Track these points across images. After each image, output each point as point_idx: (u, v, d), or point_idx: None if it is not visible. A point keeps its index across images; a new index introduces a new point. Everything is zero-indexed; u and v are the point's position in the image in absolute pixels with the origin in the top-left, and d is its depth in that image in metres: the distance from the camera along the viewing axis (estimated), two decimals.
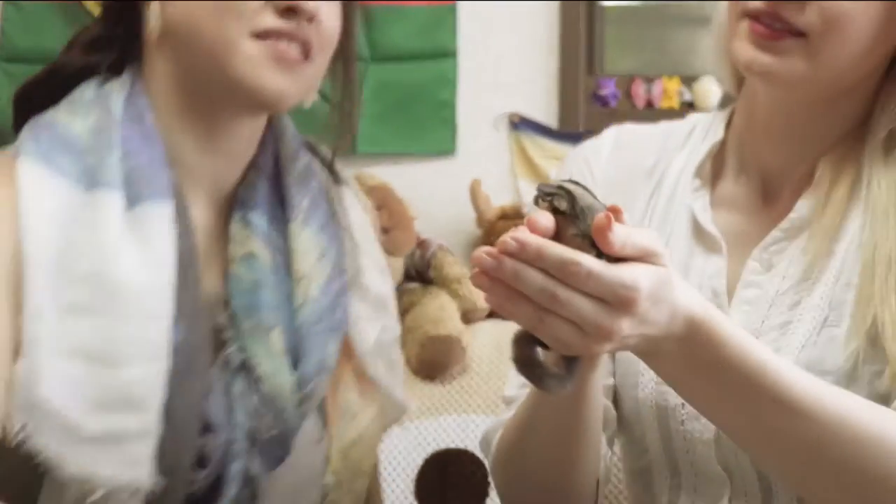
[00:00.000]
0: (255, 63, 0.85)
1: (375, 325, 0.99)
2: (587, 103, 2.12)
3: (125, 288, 0.79)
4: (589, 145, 1.11)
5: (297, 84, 0.87)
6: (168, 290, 0.81)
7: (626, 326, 0.71)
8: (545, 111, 2.09)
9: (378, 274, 1.02)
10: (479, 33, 2.11)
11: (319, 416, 0.95)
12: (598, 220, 0.70)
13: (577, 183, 0.75)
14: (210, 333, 0.87)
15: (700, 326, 0.76)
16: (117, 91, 0.88)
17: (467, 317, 1.80)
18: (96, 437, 0.76)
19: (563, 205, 0.73)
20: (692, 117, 1.10)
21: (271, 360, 0.88)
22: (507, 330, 1.43)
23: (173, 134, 0.89)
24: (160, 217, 0.83)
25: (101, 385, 0.77)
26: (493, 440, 1.02)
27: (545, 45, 2.10)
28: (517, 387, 1.02)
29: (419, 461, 1.57)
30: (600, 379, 0.90)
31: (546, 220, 0.73)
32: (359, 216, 1.03)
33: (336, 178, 1.02)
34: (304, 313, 0.91)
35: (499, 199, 2.03)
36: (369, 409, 1.01)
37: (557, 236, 0.72)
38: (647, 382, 0.96)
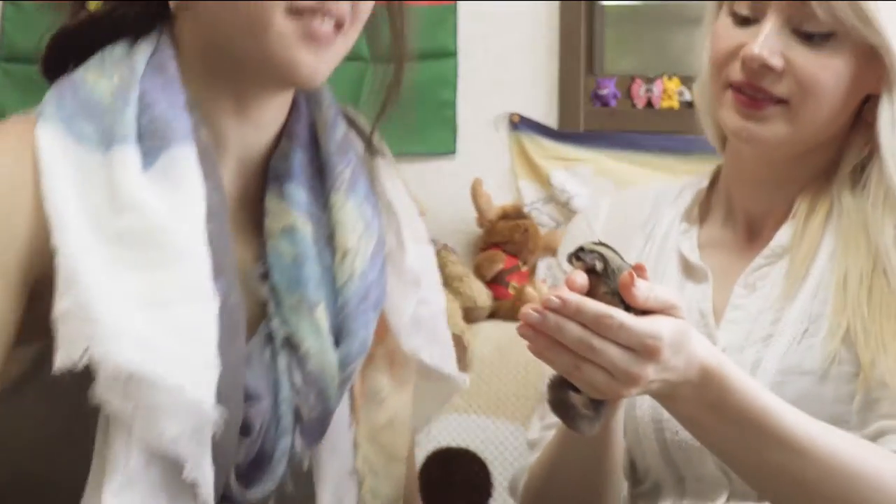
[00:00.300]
0: (288, 41, 0.81)
1: (411, 300, 0.95)
2: (587, 103, 2.12)
3: (161, 238, 0.76)
4: (590, 207, 1.28)
5: (329, 60, 0.85)
6: (203, 234, 0.78)
7: (651, 372, 0.82)
8: (545, 111, 2.09)
9: (417, 247, 0.97)
10: (479, 33, 2.11)
11: (348, 399, 0.92)
12: (624, 278, 0.82)
13: (607, 246, 0.87)
14: (247, 300, 0.84)
15: (713, 374, 0.87)
16: (144, 47, 0.84)
17: (469, 315, 1.80)
18: (161, 350, 0.73)
19: (598, 265, 0.84)
20: (683, 179, 1.25)
21: (317, 338, 0.85)
22: (507, 331, 1.47)
23: (200, 94, 0.85)
24: (184, 161, 0.79)
25: (159, 323, 0.74)
26: (520, 484, 1.10)
27: (545, 45, 2.10)
28: (540, 430, 1.13)
29: (420, 457, 1.57)
30: (621, 420, 1.00)
31: (582, 279, 0.84)
32: (398, 187, 0.99)
33: (373, 149, 0.98)
34: (350, 290, 0.88)
35: (499, 198, 2.03)
36: (401, 391, 0.98)
37: (590, 293, 0.83)
38: (643, 399, 1.02)
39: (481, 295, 1.81)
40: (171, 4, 0.84)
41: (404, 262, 0.95)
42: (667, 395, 0.88)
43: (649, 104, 2.11)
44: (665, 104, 2.11)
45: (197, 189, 0.79)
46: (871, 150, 1.06)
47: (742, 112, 1.05)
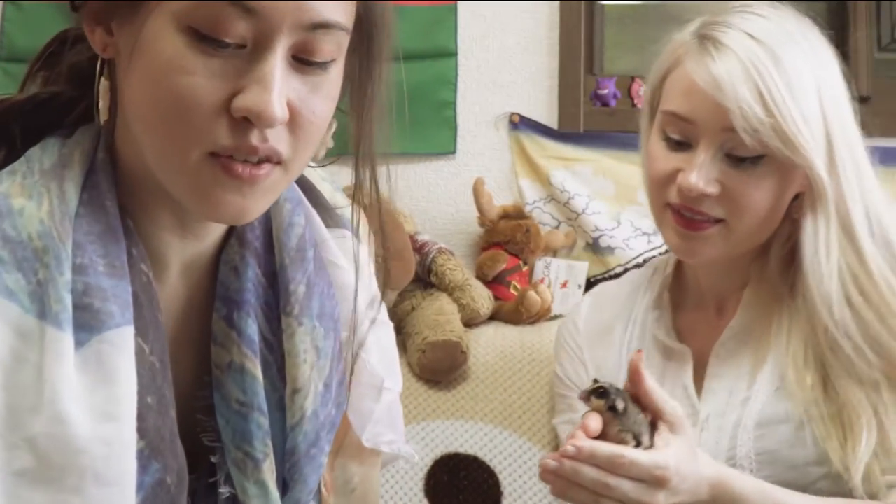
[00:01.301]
0: (206, 180, 0.71)
1: (374, 401, 0.93)
2: (587, 103, 2.12)
3: (80, 453, 0.67)
4: (574, 309, 1.40)
5: (263, 196, 0.74)
6: (130, 448, 0.70)
7: (662, 499, 0.93)
8: (545, 111, 2.09)
9: (378, 336, 0.94)
10: (479, 33, 2.11)
11: (315, 499, 0.90)
12: (632, 361, 0.97)
13: (619, 389, 0.98)
14: (188, 425, 0.79)
15: (722, 488, 0.98)
16: (79, 157, 0.75)
17: (470, 321, 1.79)
18: None
19: (619, 405, 0.95)
20: (653, 261, 1.36)
21: (263, 498, 0.81)
22: (508, 335, 1.48)
23: (140, 206, 0.77)
24: (118, 349, 0.70)
25: None
26: None
27: (545, 45, 2.10)
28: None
29: (427, 461, 1.56)
30: None
31: (595, 423, 0.95)
32: (362, 255, 0.92)
33: (330, 220, 0.91)
34: (299, 436, 0.82)
35: (499, 198, 2.03)
36: (372, 474, 0.99)
37: (602, 430, 0.95)
38: None
39: (483, 302, 1.79)
40: (99, 115, 0.76)
41: (367, 364, 0.92)
42: None
43: None
44: None
45: (130, 386, 0.70)
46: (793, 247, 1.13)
47: (682, 233, 1.13)
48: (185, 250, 0.81)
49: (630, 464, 0.92)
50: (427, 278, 1.82)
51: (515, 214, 1.98)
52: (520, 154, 2.08)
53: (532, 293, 1.77)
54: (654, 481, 0.93)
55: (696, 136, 1.10)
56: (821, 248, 1.08)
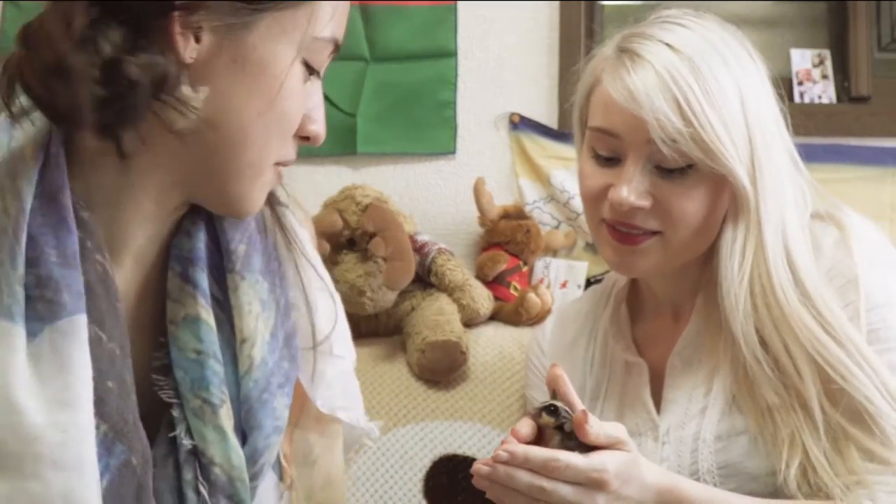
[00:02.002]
0: (263, 188, 0.85)
1: (327, 360, 0.96)
2: None
3: (35, 440, 0.70)
4: (539, 328, 1.41)
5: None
6: (87, 433, 0.72)
7: (601, 501, 0.92)
8: (545, 111, 2.09)
9: (325, 303, 0.97)
10: (479, 33, 2.11)
11: (276, 470, 0.93)
12: (577, 417, 0.92)
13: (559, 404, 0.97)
14: (147, 397, 0.82)
15: (668, 494, 0.97)
16: (31, 157, 0.77)
17: (469, 321, 1.78)
18: None
19: (566, 426, 0.94)
20: (610, 275, 1.37)
21: (222, 444, 0.84)
22: (508, 336, 1.48)
23: (102, 201, 0.81)
24: (71, 337, 0.73)
25: None
26: None
27: (545, 45, 2.10)
28: None
29: (426, 462, 1.56)
30: None
31: (526, 429, 0.95)
32: (304, 237, 0.99)
33: (276, 201, 0.96)
34: (250, 383, 0.86)
35: (499, 198, 2.03)
36: (333, 448, 1.00)
37: (544, 441, 0.95)
38: None
39: (483, 302, 1.79)
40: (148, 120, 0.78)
41: (317, 323, 0.95)
42: None
43: None
44: None
45: (85, 373, 0.73)
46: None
47: (617, 248, 1.12)
48: (144, 235, 0.85)
49: (566, 467, 0.90)
50: (427, 278, 1.82)
51: (516, 214, 1.98)
52: (520, 154, 2.08)
53: (532, 295, 1.77)
54: (593, 484, 0.91)
55: (623, 151, 1.10)
56: (735, 255, 1.08)
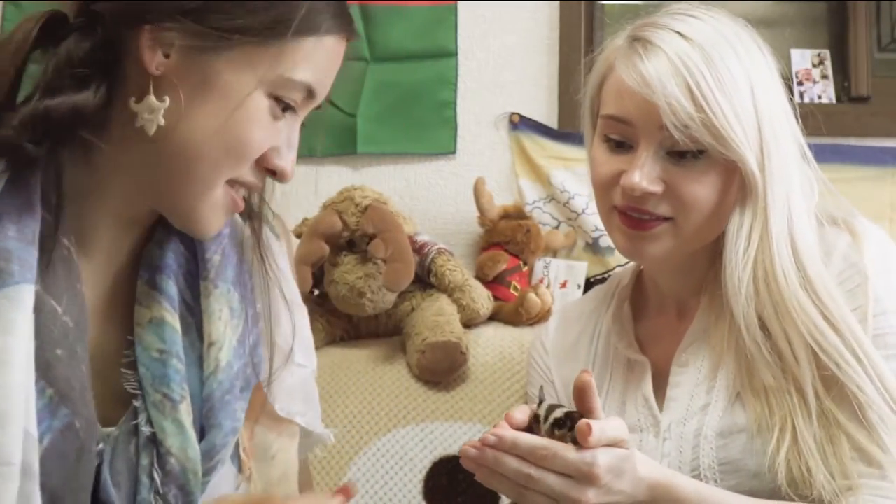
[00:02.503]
0: (216, 206, 0.89)
1: (289, 368, 1.02)
2: None
3: None
4: (542, 327, 1.41)
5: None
6: (17, 391, 0.77)
7: (591, 496, 0.90)
8: (545, 111, 2.09)
9: (290, 314, 1.04)
10: (479, 33, 2.11)
11: (235, 462, 0.97)
12: (582, 427, 0.89)
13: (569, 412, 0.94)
14: (114, 389, 0.89)
15: (662, 489, 0.97)
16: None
17: (469, 322, 1.78)
18: None
19: (563, 430, 0.91)
20: (615, 274, 1.37)
21: (179, 436, 0.89)
22: (508, 336, 1.46)
23: (82, 197, 0.88)
24: (17, 304, 0.79)
25: None
26: None
27: (545, 45, 2.10)
28: None
29: (426, 463, 1.56)
30: None
31: (522, 416, 0.94)
32: (279, 252, 1.05)
33: (253, 215, 1.02)
34: (214, 384, 0.93)
35: (499, 198, 2.03)
36: (290, 446, 1.04)
37: (537, 429, 0.93)
38: None
39: (483, 302, 1.78)
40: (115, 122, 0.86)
41: (277, 335, 1.01)
42: None
43: None
44: None
45: (24, 336, 0.79)
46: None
47: (629, 233, 1.13)
48: (113, 235, 0.92)
49: (554, 456, 0.90)
50: (426, 279, 1.81)
51: (516, 214, 1.98)
52: (520, 154, 2.08)
53: (532, 295, 1.77)
54: (582, 477, 0.90)
55: (635, 137, 1.10)
56: (741, 240, 1.09)
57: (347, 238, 1.73)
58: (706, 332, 1.15)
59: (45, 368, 0.81)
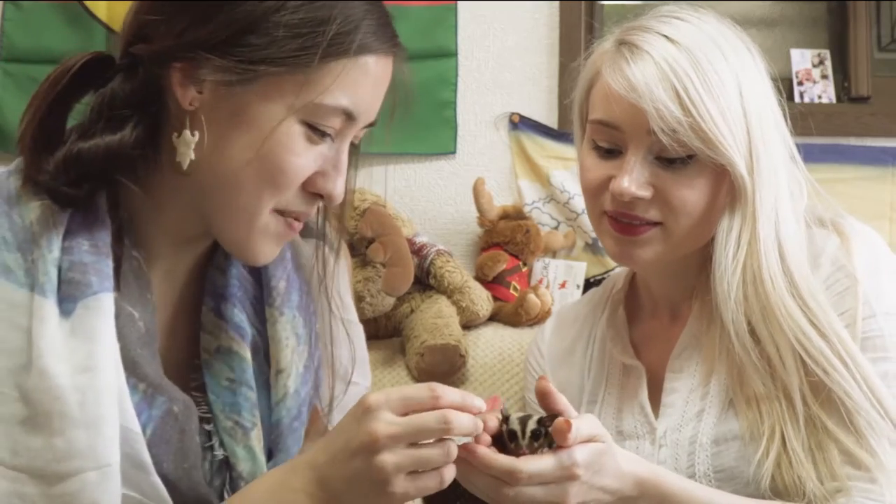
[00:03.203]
0: (266, 235, 0.89)
1: (343, 387, 1.04)
2: None
3: (58, 400, 0.79)
4: (538, 331, 1.39)
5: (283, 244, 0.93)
6: (105, 395, 0.80)
7: (573, 493, 0.89)
8: (545, 111, 2.09)
9: (349, 332, 1.06)
10: (479, 33, 2.11)
11: None
12: (560, 425, 0.88)
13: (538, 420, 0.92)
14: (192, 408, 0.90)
15: (649, 484, 0.95)
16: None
17: (468, 323, 1.78)
18: None
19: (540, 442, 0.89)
20: (610, 278, 1.36)
21: (251, 461, 0.92)
22: (507, 337, 1.44)
23: (144, 218, 0.90)
24: (98, 312, 0.82)
25: (50, 498, 0.79)
26: None
27: (545, 45, 2.10)
28: None
29: None
30: None
31: (494, 421, 0.89)
32: (341, 273, 1.07)
33: (322, 240, 1.03)
34: (283, 410, 0.95)
35: (499, 199, 2.03)
36: None
37: (516, 448, 0.89)
38: None
39: (482, 304, 1.79)
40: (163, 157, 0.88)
41: (337, 357, 1.03)
42: None
43: None
44: None
45: (109, 341, 0.82)
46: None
47: (619, 238, 1.12)
48: (173, 252, 0.94)
49: (529, 477, 0.86)
50: (426, 280, 1.81)
51: (515, 215, 1.98)
52: (520, 154, 2.08)
53: (532, 296, 1.77)
54: (561, 479, 0.88)
55: (623, 142, 1.10)
56: (731, 244, 1.08)
57: (346, 241, 1.73)
58: (698, 338, 1.15)
59: (132, 367, 0.84)
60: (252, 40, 0.84)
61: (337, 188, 0.91)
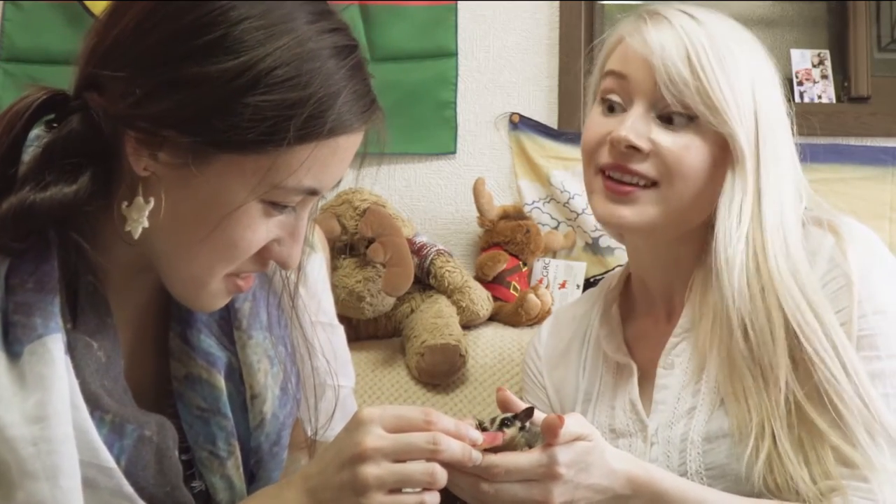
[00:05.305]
0: (217, 295, 0.86)
1: (330, 396, 1.01)
2: (587, 103, 2.11)
3: (12, 452, 0.76)
4: (536, 334, 1.38)
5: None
6: (58, 445, 0.77)
7: (557, 492, 0.89)
8: (545, 111, 2.09)
9: (325, 336, 1.02)
10: (479, 33, 2.11)
11: None
12: (552, 420, 0.88)
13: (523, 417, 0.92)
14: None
15: (642, 482, 0.95)
16: None
17: (468, 323, 1.78)
18: None
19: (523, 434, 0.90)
20: (606, 277, 1.36)
21: (228, 491, 0.91)
22: (507, 337, 1.44)
23: (101, 248, 0.86)
24: (48, 356, 0.78)
25: None
26: None
27: (545, 45, 2.10)
28: None
29: None
30: None
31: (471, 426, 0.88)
32: (317, 271, 1.04)
33: None
34: (261, 436, 0.93)
35: (499, 199, 2.03)
36: None
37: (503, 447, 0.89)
38: None
39: (483, 304, 1.78)
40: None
41: (315, 364, 1.00)
42: None
43: None
44: None
45: (60, 387, 0.78)
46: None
47: (611, 197, 1.12)
48: (137, 279, 0.91)
49: (507, 473, 0.87)
50: (426, 280, 1.81)
51: (515, 215, 1.98)
52: (520, 154, 2.08)
53: (532, 296, 1.77)
54: (542, 477, 0.88)
55: (629, 95, 1.12)
56: (734, 214, 1.09)
57: (346, 242, 1.73)
58: (691, 331, 1.15)
59: (95, 401, 0.81)
60: (216, 123, 0.78)
61: (292, 257, 0.86)
